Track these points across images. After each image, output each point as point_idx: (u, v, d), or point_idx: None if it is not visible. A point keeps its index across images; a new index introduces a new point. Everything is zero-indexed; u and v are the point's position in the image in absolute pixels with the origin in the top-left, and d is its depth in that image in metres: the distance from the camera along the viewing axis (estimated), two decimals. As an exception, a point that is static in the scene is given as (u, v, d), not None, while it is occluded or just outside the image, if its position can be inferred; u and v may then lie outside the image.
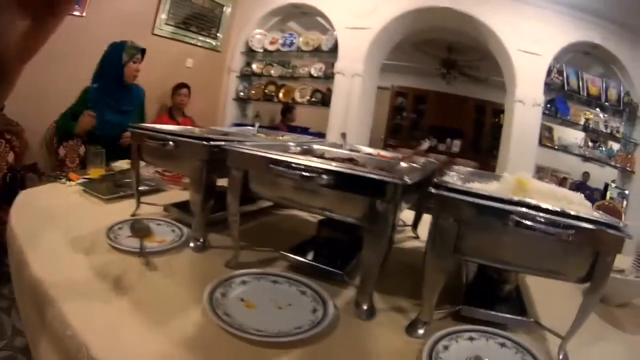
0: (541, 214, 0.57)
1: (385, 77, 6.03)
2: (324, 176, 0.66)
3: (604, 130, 3.69)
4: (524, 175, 0.73)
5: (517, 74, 3.51)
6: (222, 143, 0.79)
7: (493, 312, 0.71)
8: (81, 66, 3.10)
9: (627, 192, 3.58)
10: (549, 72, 3.62)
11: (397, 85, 6.80)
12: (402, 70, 6.40)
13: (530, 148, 3.49)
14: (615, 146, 3.76)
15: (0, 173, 2.16)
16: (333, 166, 0.67)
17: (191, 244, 0.86)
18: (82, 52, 3.05)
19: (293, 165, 0.67)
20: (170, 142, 0.87)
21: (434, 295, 0.65)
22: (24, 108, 2.33)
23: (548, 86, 3.63)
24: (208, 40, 4.11)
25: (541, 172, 3.73)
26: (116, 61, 2.12)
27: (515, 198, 0.59)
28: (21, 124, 2.56)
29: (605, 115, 3.74)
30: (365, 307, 0.69)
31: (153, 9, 3.58)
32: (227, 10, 4.18)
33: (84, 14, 3.05)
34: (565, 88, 3.72)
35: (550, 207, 0.58)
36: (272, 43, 3.93)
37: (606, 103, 3.66)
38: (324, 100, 3.68)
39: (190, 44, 3.97)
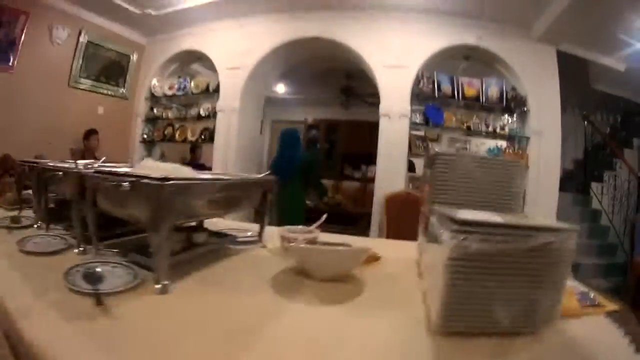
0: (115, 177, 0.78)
1: (299, 110, 6.40)
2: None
3: (488, 130, 3.68)
4: (148, 161, 0.99)
5: (381, 89, 3.61)
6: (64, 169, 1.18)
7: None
8: (11, 118, 3.53)
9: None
10: (419, 82, 3.64)
11: (310, 117, 6.94)
12: (313, 103, 6.57)
13: (400, 160, 3.58)
14: (503, 144, 3.73)
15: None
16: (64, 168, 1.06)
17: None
18: (11, 105, 3.53)
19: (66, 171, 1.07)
20: (60, 173, 1.22)
21: (93, 226, 0.86)
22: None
23: (418, 97, 3.66)
24: (117, 88, 4.51)
25: (417, 182, 3.65)
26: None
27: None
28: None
29: (489, 115, 3.71)
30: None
31: (68, 63, 4.00)
32: (133, 59, 4.59)
33: (13, 70, 3.50)
34: (436, 95, 3.73)
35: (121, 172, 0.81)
36: (170, 88, 4.33)
37: (486, 103, 3.65)
38: (212, 137, 4.02)
39: (101, 93, 4.35)
